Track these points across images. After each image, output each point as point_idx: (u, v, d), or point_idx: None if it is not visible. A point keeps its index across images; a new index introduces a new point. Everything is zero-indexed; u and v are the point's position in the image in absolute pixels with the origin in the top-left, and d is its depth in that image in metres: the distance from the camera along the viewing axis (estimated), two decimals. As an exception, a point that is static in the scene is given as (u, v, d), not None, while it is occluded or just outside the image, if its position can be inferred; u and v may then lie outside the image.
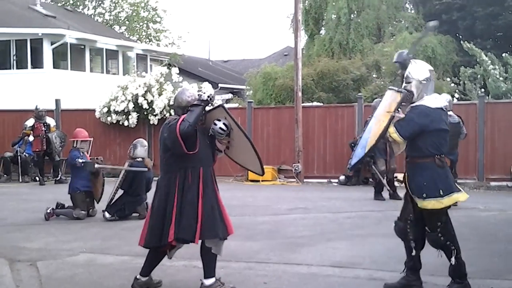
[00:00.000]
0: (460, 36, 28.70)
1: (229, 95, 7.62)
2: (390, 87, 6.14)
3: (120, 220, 10.45)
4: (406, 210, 5.92)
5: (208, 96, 5.87)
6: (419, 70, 5.81)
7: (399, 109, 5.73)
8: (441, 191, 5.63)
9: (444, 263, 7.07)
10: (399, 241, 6.14)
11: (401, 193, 11.25)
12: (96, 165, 10.73)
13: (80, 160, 10.62)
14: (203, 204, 5.79)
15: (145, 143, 10.85)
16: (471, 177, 15.70)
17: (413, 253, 5.92)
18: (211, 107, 6.12)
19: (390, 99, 5.86)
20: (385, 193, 12.87)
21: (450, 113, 11.57)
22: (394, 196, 12.58)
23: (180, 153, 5.77)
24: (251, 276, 6.64)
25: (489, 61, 21.93)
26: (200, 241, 5.89)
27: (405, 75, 5.84)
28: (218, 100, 6.34)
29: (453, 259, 5.69)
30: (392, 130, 5.67)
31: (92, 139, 11.52)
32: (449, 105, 11.70)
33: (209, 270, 5.93)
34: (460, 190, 5.85)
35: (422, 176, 5.68)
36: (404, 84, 5.84)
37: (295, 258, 7.50)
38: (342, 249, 8.00)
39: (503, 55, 22.50)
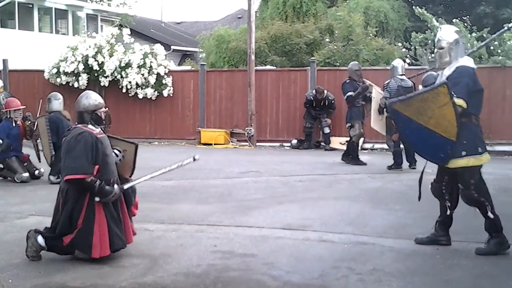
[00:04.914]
0: (412, 1, 28.81)
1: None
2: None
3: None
4: (442, 172, 6.13)
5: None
6: None
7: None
8: (479, 148, 5.89)
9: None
10: (348, 203, 6.25)
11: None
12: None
13: (0, 141, 10.57)
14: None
15: (59, 96, 11.08)
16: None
17: (448, 212, 6.16)
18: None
19: (435, 95, 5.75)
20: (364, 157, 13.10)
21: (403, 77, 11.72)
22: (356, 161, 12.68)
23: None
24: (202, 238, 6.66)
25: (440, 27, 22.13)
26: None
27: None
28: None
29: (489, 213, 5.87)
30: (461, 101, 5.72)
31: (25, 106, 11.30)
32: (401, 69, 11.83)
33: None
34: None
35: (462, 135, 5.81)
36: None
37: (247, 220, 7.54)
38: (293, 211, 8.07)
39: (454, 20, 22.65)
